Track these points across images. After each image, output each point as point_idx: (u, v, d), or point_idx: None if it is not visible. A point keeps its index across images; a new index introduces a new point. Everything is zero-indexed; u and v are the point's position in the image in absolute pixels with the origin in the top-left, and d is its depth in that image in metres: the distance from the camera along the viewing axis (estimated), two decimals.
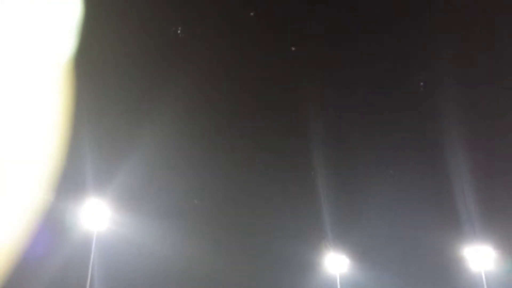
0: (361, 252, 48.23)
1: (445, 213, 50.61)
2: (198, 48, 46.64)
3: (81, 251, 33.86)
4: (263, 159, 57.83)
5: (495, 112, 53.44)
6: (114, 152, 41.86)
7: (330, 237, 46.74)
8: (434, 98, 55.04)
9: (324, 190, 50.31)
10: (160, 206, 45.01)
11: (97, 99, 38.56)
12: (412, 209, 53.35)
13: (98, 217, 33.28)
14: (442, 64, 50.97)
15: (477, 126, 52.59)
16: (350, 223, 50.23)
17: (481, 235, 41.83)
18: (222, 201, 51.75)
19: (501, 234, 43.43)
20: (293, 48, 52.24)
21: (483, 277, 39.40)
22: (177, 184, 45.62)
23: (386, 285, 48.89)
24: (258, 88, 56.87)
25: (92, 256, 32.38)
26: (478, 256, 40.09)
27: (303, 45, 52.92)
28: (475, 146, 50.29)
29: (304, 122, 55.43)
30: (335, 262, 43.47)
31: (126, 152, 41.06)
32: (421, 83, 54.76)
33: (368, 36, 53.23)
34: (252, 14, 47.17)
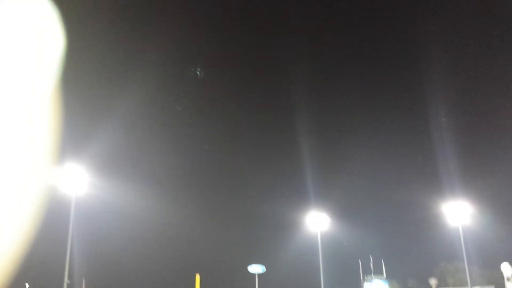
0: (342, 210, 48.86)
1: (423, 170, 51.21)
2: None
3: (61, 215, 33.72)
4: (245, 120, 57.46)
5: (477, 71, 53.35)
6: (91, 117, 41.15)
7: (312, 196, 47.13)
8: (416, 54, 54.65)
9: (305, 150, 50.41)
10: (138, 169, 44.80)
11: (76, 66, 37.48)
12: (391, 167, 53.89)
13: (76, 181, 32.91)
14: None
15: (456, 84, 52.52)
16: (331, 182, 50.64)
17: (458, 191, 42.43)
18: (202, 164, 51.60)
19: (477, 190, 44.13)
20: None
21: (461, 231, 40.11)
22: (155, 147, 45.27)
23: (366, 242, 49.89)
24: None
25: (71, 220, 32.20)
26: (456, 211, 40.67)
27: None
28: (454, 104, 50.40)
29: (288, 83, 54.88)
30: (317, 220, 43.91)
31: (103, 117, 40.40)
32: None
33: None
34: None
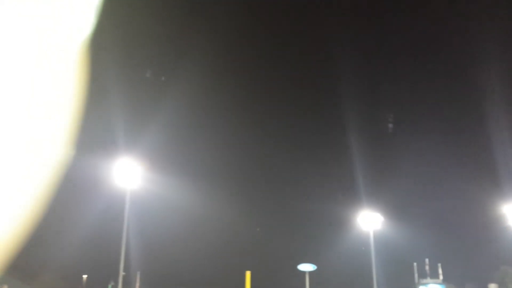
0: (395, 209, 47.58)
1: (482, 168, 49.05)
2: None
3: (116, 208, 34.87)
4: (292, 118, 57.20)
5: None
6: (145, 111, 42.31)
7: (364, 194, 46.14)
8: (473, 56, 52.52)
9: (356, 147, 49.50)
10: (192, 165, 45.56)
11: (125, 62, 38.75)
12: (448, 165, 51.91)
13: (131, 175, 33.89)
14: None
15: None
16: (384, 180, 49.43)
17: None
18: (252, 160, 51.78)
19: None
20: None
21: None
22: (209, 142, 45.87)
23: (421, 243, 48.29)
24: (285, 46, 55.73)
25: (126, 213, 33.19)
26: None
27: None
28: None
29: (335, 77, 54.07)
30: (369, 220, 43.00)
31: (156, 112, 41.43)
32: None
33: None
34: None
